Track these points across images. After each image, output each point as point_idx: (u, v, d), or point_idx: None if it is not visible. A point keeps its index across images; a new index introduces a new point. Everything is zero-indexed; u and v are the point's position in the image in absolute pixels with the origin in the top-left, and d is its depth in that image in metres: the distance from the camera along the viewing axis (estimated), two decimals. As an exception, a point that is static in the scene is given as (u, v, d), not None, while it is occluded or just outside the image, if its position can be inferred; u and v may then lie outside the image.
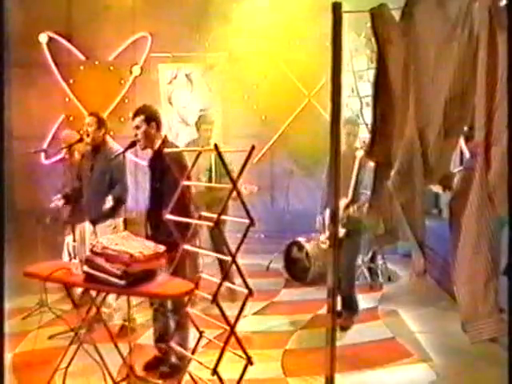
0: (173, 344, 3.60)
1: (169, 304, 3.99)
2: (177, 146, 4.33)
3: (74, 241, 3.29)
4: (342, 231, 4.77)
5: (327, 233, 5.05)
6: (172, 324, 3.97)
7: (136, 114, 3.93)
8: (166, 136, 4.01)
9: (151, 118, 3.93)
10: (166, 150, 3.79)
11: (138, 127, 3.89)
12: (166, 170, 3.73)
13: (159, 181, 3.85)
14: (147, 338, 4.57)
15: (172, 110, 8.19)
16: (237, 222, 3.02)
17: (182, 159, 3.81)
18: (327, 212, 5.04)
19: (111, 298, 4.63)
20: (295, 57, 7.69)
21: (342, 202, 4.80)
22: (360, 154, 4.84)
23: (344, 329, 4.84)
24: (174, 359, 3.96)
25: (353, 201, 4.80)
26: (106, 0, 7.72)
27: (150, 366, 4.03)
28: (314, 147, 5.77)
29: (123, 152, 4.00)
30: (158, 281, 3.08)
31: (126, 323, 4.22)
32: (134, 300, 4.68)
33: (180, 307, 3.81)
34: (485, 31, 2.19)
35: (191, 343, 3.64)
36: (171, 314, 3.96)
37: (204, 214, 3.28)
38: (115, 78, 8.32)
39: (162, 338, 4.04)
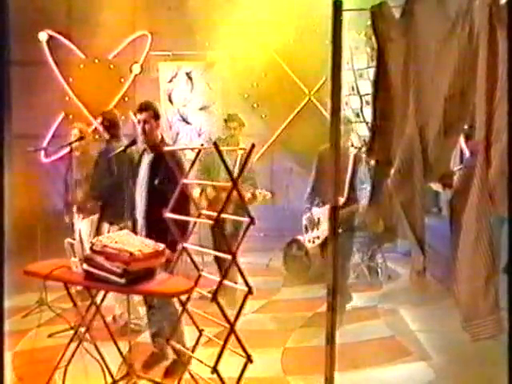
0: (172, 342, 3.60)
1: (158, 301, 3.99)
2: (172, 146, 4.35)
3: (74, 239, 3.29)
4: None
5: (315, 231, 5.01)
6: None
7: (144, 109, 3.96)
8: (162, 135, 4.05)
9: (158, 115, 4.02)
10: (167, 149, 3.80)
11: (145, 121, 3.92)
12: (166, 169, 3.72)
13: (158, 180, 3.85)
14: (148, 336, 4.58)
15: (172, 108, 8.19)
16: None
17: (182, 158, 3.84)
18: (317, 210, 5.01)
19: (141, 308, 4.65)
20: (295, 55, 7.68)
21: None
22: (354, 151, 4.82)
23: None
24: (174, 356, 3.96)
25: (349, 198, 4.77)
26: (106, -2, 7.72)
27: (149, 364, 4.03)
28: (314, 146, 5.77)
29: (123, 150, 4.00)
30: (157, 279, 3.08)
31: (133, 324, 4.24)
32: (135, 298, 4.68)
33: (168, 304, 3.82)
34: (485, 29, 2.19)
35: (191, 341, 3.64)
36: (160, 311, 3.95)
37: (204, 212, 3.28)
38: (115, 77, 8.31)
39: (157, 334, 4.05)
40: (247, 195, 5.37)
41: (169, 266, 3.43)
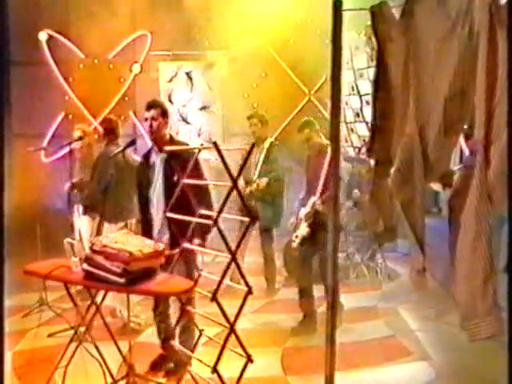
0: (175, 343, 3.60)
1: (172, 305, 3.98)
2: (186, 144, 4.33)
3: (74, 239, 3.29)
4: (306, 230, 4.77)
5: (298, 231, 5.00)
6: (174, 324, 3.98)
7: (152, 106, 3.93)
8: (170, 134, 4.03)
9: (166, 112, 3.99)
10: (167, 148, 3.79)
11: (154, 119, 3.88)
12: (183, 167, 3.61)
13: (176, 179, 3.75)
14: (148, 336, 4.58)
15: (172, 108, 8.18)
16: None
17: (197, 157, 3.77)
18: (302, 211, 5.01)
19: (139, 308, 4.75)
20: (295, 55, 7.68)
21: (311, 201, 4.80)
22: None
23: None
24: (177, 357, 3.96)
25: (323, 196, 4.76)
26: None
27: (156, 365, 4.02)
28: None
29: (122, 150, 3.99)
30: (157, 279, 3.08)
31: (133, 322, 4.25)
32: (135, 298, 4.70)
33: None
34: (485, 29, 2.19)
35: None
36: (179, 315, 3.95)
37: (203, 212, 3.27)
38: (115, 76, 8.31)
39: (167, 338, 4.01)
40: (254, 186, 5.53)
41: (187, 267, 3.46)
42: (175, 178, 3.69)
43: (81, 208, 5.30)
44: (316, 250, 4.84)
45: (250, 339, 3.20)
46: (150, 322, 4.60)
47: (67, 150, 5.44)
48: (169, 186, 3.80)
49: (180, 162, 3.52)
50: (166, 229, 3.84)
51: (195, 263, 3.61)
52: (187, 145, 4.34)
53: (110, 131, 5.10)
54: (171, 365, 3.95)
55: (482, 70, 2.21)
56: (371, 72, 6.51)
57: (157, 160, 3.95)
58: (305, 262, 4.94)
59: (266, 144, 5.85)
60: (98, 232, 4.86)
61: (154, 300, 4.07)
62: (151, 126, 3.88)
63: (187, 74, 8.22)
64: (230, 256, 2.85)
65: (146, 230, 4.00)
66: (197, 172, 3.40)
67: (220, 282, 2.84)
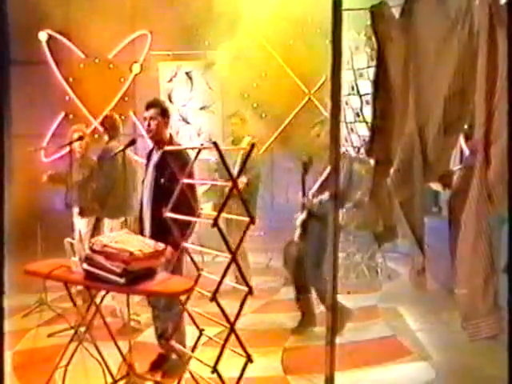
0: (173, 342, 3.60)
1: (162, 301, 3.98)
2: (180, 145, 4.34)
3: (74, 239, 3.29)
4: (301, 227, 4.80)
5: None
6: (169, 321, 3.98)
7: (152, 106, 3.93)
8: (171, 134, 4.02)
9: (165, 112, 3.96)
10: (167, 148, 3.79)
11: (152, 118, 3.88)
12: (172, 168, 3.59)
13: (166, 179, 3.77)
14: (148, 336, 4.58)
15: (172, 108, 8.17)
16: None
17: (189, 158, 3.77)
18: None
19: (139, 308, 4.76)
20: (295, 55, 7.67)
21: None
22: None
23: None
24: (174, 356, 3.96)
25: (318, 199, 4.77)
26: (106, -2, 7.71)
27: (156, 365, 4.01)
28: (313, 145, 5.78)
29: (123, 150, 3.99)
30: (157, 279, 3.08)
31: (132, 321, 4.26)
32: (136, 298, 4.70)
33: (173, 304, 3.78)
34: (485, 29, 2.19)
35: (191, 341, 3.63)
36: (165, 312, 3.95)
37: (204, 212, 3.28)
38: (115, 76, 8.30)
39: (163, 335, 4.03)
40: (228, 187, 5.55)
41: (174, 265, 3.45)
42: (162, 180, 3.74)
43: (77, 209, 5.29)
44: (307, 250, 4.86)
45: (250, 339, 3.19)
46: (150, 322, 4.60)
47: (67, 149, 5.45)
48: (156, 187, 3.84)
49: (171, 164, 3.54)
50: (149, 230, 3.88)
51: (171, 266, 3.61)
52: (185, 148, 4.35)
53: (111, 129, 5.15)
54: (167, 366, 3.96)
55: (481, 69, 2.21)
56: (371, 72, 6.49)
57: (153, 160, 3.98)
58: (300, 259, 4.94)
59: (244, 143, 5.84)
60: (98, 230, 4.90)
61: (147, 298, 4.08)
62: (149, 125, 3.88)
63: (187, 73, 8.21)
64: (230, 256, 2.86)
65: (141, 228, 4.00)
66: (188, 173, 3.40)
67: (220, 282, 2.84)
